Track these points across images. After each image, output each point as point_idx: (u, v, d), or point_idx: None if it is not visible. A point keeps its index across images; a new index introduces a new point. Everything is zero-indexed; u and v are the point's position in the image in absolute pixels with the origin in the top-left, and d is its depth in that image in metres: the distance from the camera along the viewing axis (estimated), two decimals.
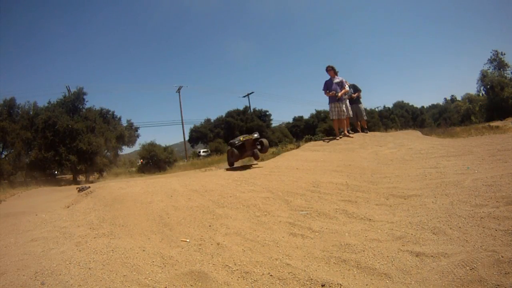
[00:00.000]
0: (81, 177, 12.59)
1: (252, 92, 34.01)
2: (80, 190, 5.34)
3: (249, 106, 33.31)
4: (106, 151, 13.41)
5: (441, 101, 42.98)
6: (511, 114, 27.40)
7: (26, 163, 11.45)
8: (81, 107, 14.31)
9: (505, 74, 34.83)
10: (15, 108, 13.31)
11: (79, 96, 14.29)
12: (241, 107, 33.51)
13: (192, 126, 33.26)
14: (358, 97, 9.10)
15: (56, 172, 12.81)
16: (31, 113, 12.99)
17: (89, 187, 5.74)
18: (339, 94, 8.02)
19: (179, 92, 30.76)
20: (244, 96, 34.08)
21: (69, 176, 13.12)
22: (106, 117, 18.22)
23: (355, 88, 9.11)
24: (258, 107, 34.19)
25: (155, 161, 14.65)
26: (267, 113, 33.76)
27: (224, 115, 32.77)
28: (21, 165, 11.51)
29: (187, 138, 31.70)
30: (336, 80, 8.19)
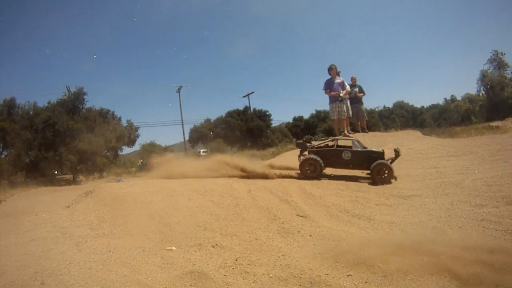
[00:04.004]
0: (81, 177, 12.59)
1: (252, 92, 33.90)
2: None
3: (249, 106, 33.32)
4: (106, 151, 13.40)
5: (441, 101, 42.88)
6: (511, 114, 27.36)
7: (26, 163, 11.47)
8: (81, 107, 14.32)
9: (505, 74, 34.77)
10: (15, 108, 13.31)
11: (79, 96, 14.30)
12: (241, 107, 33.52)
13: (192, 126, 33.25)
14: (360, 98, 9.13)
15: (56, 172, 12.83)
16: (31, 113, 12.99)
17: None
18: (342, 94, 8.02)
19: (179, 92, 30.74)
20: (244, 96, 34.02)
21: (69, 176, 13.11)
22: (106, 117, 18.23)
23: (360, 89, 9.16)
24: (258, 107, 34.08)
25: None
26: (267, 113, 33.72)
27: (224, 115, 32.77)
28: (21, 165, 11.51)
29: (187, 138, 31.69)
30: (338, 80, 8.19)
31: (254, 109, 33.56)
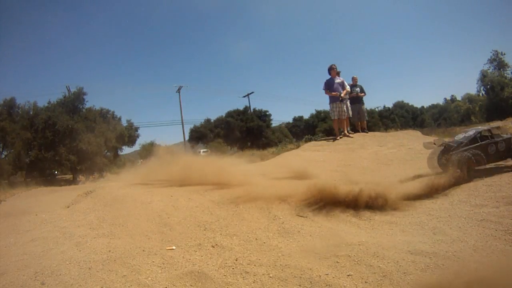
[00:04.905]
0: (81, 177, 12.63)
1: (252, 92, 33.99)
2: None
3: (249, 106, 33.39)
4: (106, 151, 13.42)
5: (441, 101, 42.92)
6: (511, 114, 27.33)
7: (26, 163, 11.47)
8: (81, 107, 14.34)
9: (505, 74, 34.81)
10: (15, 108, 13.33)
11: (79, 96, 14.36)
12: (241, 107, 33.55)
13: (192, 126, 33.23)
14: (361, 98, 9.18)
15: (56, 172, 12.85)
16: (31, 113, 13.02)
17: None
18: (342, 94, 8.05)
19: (179, 92, 30.81)
20: (244, 96, 34.15)
21: (69, 176, 13.17)
22: (106, 117, 18.28)
23: (361, 89, 9.22)
24: (258, 107, 34.12)
25: None
26: (267, 113, 33.75)
27: (224, 115, 32.80)
28: (21, 165, 11.53)
29: (187, 138, 31.68)
30: (338, 80, 8.23)
31: (254, 109, 33.62)
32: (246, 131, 30.61)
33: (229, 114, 32.31)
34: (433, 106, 41.83)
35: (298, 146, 9.93)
